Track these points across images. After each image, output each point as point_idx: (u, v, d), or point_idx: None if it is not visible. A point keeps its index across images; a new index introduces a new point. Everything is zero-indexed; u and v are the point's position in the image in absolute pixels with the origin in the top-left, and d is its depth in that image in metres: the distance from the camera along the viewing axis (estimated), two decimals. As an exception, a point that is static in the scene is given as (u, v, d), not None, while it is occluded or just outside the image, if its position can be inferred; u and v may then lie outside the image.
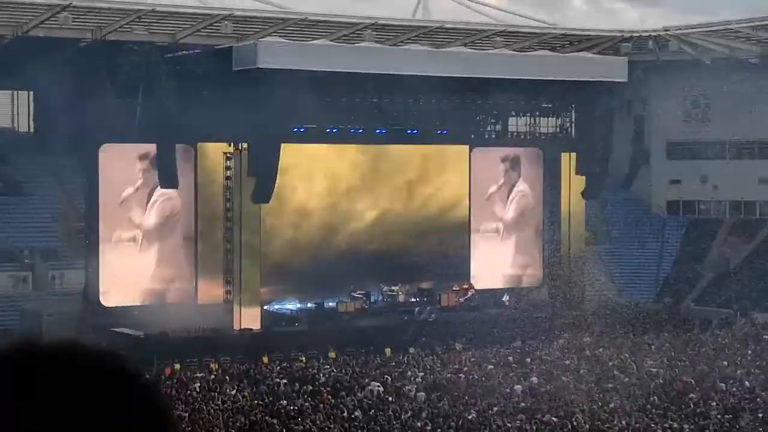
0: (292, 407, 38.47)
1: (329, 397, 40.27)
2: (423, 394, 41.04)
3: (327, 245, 56.95)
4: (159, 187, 53.48)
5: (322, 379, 43.60)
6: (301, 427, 35.80)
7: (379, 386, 41.89)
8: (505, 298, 59.62)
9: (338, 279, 55.12)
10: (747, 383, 43.22)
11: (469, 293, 58.84)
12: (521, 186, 63.40)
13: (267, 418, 36.93)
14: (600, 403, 39.25)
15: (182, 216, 55.18)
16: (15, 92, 61.05)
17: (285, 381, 43.23)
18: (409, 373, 44.89)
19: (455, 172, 60.89)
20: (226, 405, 38.84)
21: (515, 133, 63.92)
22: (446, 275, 58.67)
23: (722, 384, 42.95)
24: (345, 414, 37.39)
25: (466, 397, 40.47)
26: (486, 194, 62.61)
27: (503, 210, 63.42)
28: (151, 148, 52.47)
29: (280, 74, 49.70)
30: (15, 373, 1.81)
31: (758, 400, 40.37)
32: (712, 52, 64.87)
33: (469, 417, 37.18)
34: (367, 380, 43.19)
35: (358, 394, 40.88)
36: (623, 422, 36.75)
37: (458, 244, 61.13)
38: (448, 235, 60.46)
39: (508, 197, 63.32)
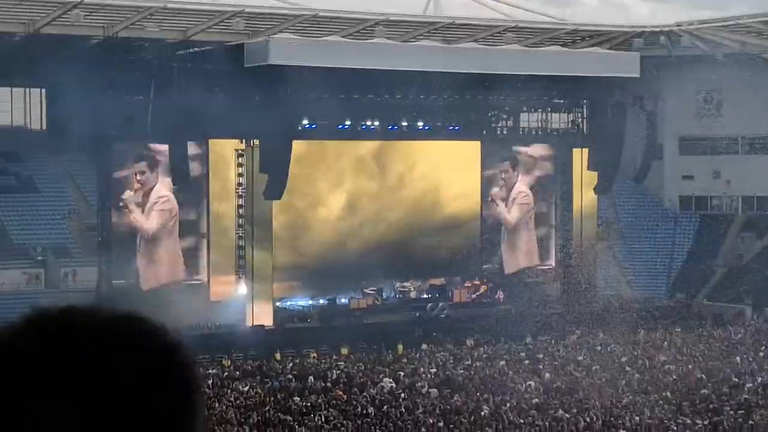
0: (304, 403, 38.54)
1: (341, 393, 40.31)
2: (435, 390, 41.04)
3: (339, 241, 56.95)
4: (161, 185, 53.57)
5: (335, 375, 43.63)
6: (314, 424, 35.86)
7: (391, 382, 41.93)
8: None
9: (350, 275, 55.10)
10: (760, 379, 43.16)
11: (481, 289, 58.81)
12: (521, 187, 63.08)
13: (279, 414, 37.02)
14: (612, 399, 39.23)
15: (194, 213, 55.29)
16: (27, 90, 61.12)
17: (297, 377, 43.28)
18: (422, 369, 44.92)
19: (467, 168, 60.80)
20: (238, 401, 38.92)
21: (527, 129, 63.83)
22: (458, 271, 58.68)
23: (735, 379, 42.88)
24: (357, 410, 37.43)
25: (479, 393, 40.49)
26: (494, 191, 62.59)
27: (511, 206, 63.37)
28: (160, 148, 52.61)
29: (291, 71, 49.72)
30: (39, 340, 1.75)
31: (771, 395, 40.31)
32: (725, 47, 64.67)
33: (482, 413, 37.20)
34: (379, 376, 43.22)
35: (371, 390, 40.90)
36: (636, 418, 36.74)
37: (470, 239, 61.07)
38: (459, 231, 60.39)
39: (510, 195, 63.08)
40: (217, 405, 37.95)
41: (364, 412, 37.33)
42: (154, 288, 53.17)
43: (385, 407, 37.82)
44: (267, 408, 37.94)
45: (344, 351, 48.77)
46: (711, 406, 38.62)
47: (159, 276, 54.47)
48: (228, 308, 52.59)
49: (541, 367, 45.43)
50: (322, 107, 53.85)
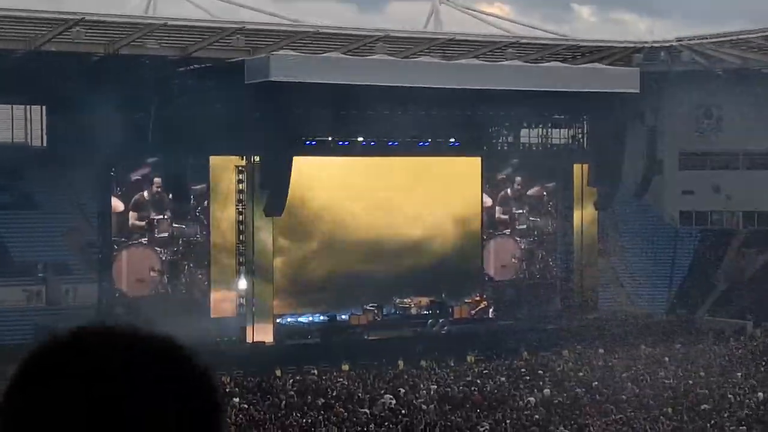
0: (305, 420, 38.50)
1: (342, 409, 40.26)
2: (435, 406, 41.00)
3: (339, 258, 56.92)
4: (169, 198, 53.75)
5: (335, 392, 43.58)
6: (314, 440, 35.83)
7: (391, 399, 41.89)
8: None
9: (350, 292, 55.10)
10: (761, 395, 43.09)
11: (482, 305, 58.77)
12: (528, 200, 63.60)
13: (280, 431, 36.98)
14: (613, 415, 39.19)
15: (194, 230, 55.44)
16: (28, 107, 61.23)
17: (298, 394, 43.23)
18: (422, 385, 44.87)
19: (468, 184, 60.86)
20: (239, 418, 38.86)
21: (527, 145, 63.89)
22: (458, 287, 58.61)
23: (730, 396, 42.79)
24: (358, 427, 37.40)
25: (479, 410, 40.46)
26: (496, 207, 62.92)
27: (514, 222, 63.62)
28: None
29: (292, 87, 49.80)
30: (78, 357, 1.92)
31: (772, 411, 40.26)
32: (725, 62, 64.78)
33: (482, 429, 37.17)
34: (380, 393, 43.18)
35: (371, 406, 40.85)
36: (637, 434, 36.70)
37: (470, 256, 61.08)
38: (460, 248, 60.39)
39: (516, 211, 63.51)
40: (217, 422, 37.87)
41: (365, 429, 37.30)
42: (157, 305, 53.23)
43: (386, 424, 37.80)
44: (267, 425, 37.90)
45: (345, 367, 48.70)
46: (712, 421, 38.59)
47: (161, 292, 54.61)
48: (228, 325, 52.60)
49: (541, 383, 45.38)
50: (322, 123, 53.89)
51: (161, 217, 55.37)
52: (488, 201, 62.47)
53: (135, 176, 54.82)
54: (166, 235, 55.43)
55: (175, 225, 55.65)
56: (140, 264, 54.98)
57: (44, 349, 1.95)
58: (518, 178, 63.72)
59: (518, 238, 63.95)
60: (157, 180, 54.94)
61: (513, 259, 63.74)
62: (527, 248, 64.10)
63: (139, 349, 1.96)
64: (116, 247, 54.43)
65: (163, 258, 55.56)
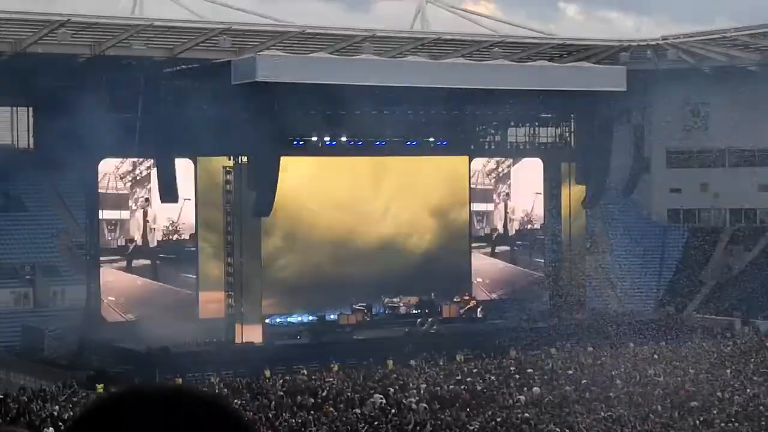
0: (294, 420, 38.46)
1: (332, 409, 40.24)
2: (425, 405, 40.99)
3: (327, 257, 56.89)
4: (159, 201, 53.63)
5: (325, 391, 43.54)
6: (304, 441, 35.78)
7: (381, 398, 41.86)
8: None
9: (339, 291, 55.06)
10: (749, 391, 43.19)
11: (471, 304, 58.78)
12: (516, 198, 63.63)
13: (270, 431, 36.92)
14: (602, 413, 39.22)
15: (182, 230, 55.32)
16: (14, 109, 61.12)
17: (287, 394, 43.17)
18: (412, 384, 44.84)
19: (456, 183, 60.88)
20: (228, 419, 38.75)
21: (515, 144, 63.88)
22: (447, 286, 58.62)
23: (719, 393, 42.84)
24: (348, 427, 37.37)
25: (468, 408, 40.47)
26: (484, 206, 62.90)
27: (503, 221, 63.60)
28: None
29: (278, 87, 49.73)
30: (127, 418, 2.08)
31: (761, 408, 40.32)
32: (711, 60, 64.91)
33: (472, 428, 37.17)
34: (369, 392, 43.15)
35: (361, 406, 40.83)
36: (626, 432, 36.73)
37: (459, 255, 61.10)
38: (449, 246, 60.40)
39: (505, 208, 63.55)
40: (206, 423, 37.79)
41: (355, 428, 37.27)
42: (146, 306, 53.18)
43: (376, 423, 37.77)
44: (257, 426, 37.83)
45: (334, 367, 48.66)
46: (701, 418, 38.63)
47: (149, 294, 54.49)
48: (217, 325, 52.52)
49: (531, 381, 45.40)
50: (309, 123, 53.81)
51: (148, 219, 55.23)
52: (476, 199, 62.42)
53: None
54: (155, 237, 55.26)
55: (163, 226, 55.52)
56: (127, 269, 54.82)
57: (107, 401, 2.16)
58: (498, 179, 63.80)
59: (508, 244, 63.86)
60: (144, 181, 54.83)
61: (502, 266, 63.70)
62: (517, 248, 64.06)
63: (190, 408, 2.13)
64: (101, 258, 54.25)
65: (151, 260, 55.43)
